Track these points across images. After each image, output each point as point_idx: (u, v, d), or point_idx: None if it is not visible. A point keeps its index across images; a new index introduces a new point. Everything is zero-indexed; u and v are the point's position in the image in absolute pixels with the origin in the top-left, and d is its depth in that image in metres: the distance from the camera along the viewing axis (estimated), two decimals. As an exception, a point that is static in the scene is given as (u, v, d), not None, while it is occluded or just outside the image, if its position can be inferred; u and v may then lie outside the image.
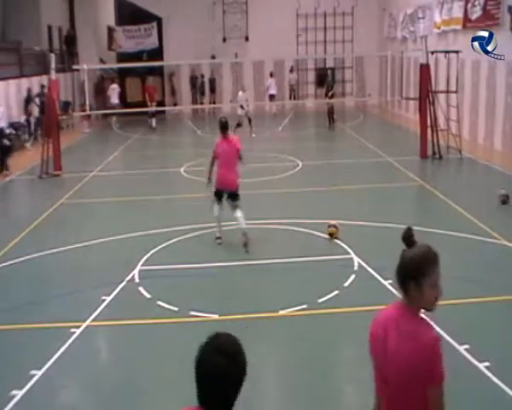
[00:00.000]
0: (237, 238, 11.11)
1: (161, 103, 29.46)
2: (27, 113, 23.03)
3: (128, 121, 28.18)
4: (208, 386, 2.36)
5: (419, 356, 2.99)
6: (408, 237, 3.21)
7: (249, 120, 23.77)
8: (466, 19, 20.09)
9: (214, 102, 31.54)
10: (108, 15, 34.11)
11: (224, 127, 10.49)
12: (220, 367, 2.33)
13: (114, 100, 27.74)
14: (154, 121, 26.07)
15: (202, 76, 31.78)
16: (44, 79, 22.83)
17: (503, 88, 17.87)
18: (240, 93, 24.33)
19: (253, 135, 23.45)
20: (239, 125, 22.83)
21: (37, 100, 23.51)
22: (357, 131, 23.72)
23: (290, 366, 6.85)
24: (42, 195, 15.77)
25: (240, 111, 23.77)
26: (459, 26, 20.64)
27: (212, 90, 32.03)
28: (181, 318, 7.80)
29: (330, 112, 24.36)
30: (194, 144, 23.59)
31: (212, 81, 32.05)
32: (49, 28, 29.32)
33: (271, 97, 29.03)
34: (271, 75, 29.05)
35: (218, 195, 10.49)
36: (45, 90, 22.35)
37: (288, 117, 29.00)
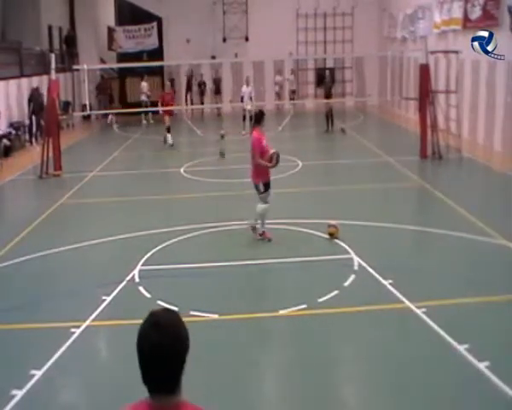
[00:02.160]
0: (237, 238, 11.11)
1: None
2: (30, 112, 23.04)
3: (128, 121, 28.21)
4: (149, 363, 2.33)
5: None
6: None
7: (250, 118, 23.74)
8: (466, 19, 20.09)
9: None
10: (108, 15, 34.11)
11: (254, 119, 11.13)
12: (155, 341, 2.30)
13: (143, 97, 28.09)
14: (170, 137, 21.52)
15: (202, 75, 31.18)
16: (44, 79, 22.84)
17: (502, 88, 17.86)
18: (243, 87, 24.25)
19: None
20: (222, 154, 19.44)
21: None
22: (357, 131, 23.71)
23: (290, 366, 6.85)
24: (42, 195, 15.77)
25: (245, 105, 23.66)
26: (459, 27, 20.65)
27: (217, 91, 31.20)
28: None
29: (329, 114, 24.03)
30: (194, 144, 23.58)
31: (217, 82, 31.35)
32: (50, 28, 29.33)
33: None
34: (280, 74, 29.42)
35: (265, 187, 10.79)
36: (41, 91, 22.42)
37: (288, 117, 29.00)
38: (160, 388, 2.33)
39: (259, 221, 10.79)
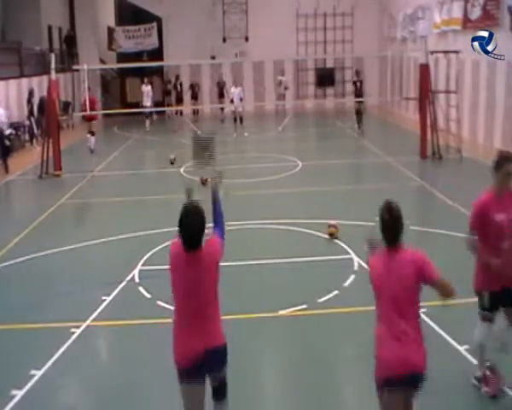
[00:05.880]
0: (237, 238, 11.09)
1: (161, 103, 29.50)
2: (29, 113, 23.05)
3: (128, 121, 28.19)
4: (188, 230, 4.70)
5: None
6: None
7: (240, 120, 23.79)
8: (466, 19, 20.09)
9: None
10: (108, 15, 34.16)
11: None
12: (199, 224, 4.69)
13: (147, 103, 25.82)
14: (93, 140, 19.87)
15: (177, 76, 28.99)
16: (44, 79, 22.85)
17: (502, 88, 17.87)
18: (232, 88, 24.36)
19: (246, 134, 23.55)
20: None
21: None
22: (357, 131, 23.70)
23: (290, 366, 6.85)
24: (42, 195, 15.77)
25: (232, 107, 23.90)
26: (459, 27, 20.65)
27: (221, 95, 28.57)
28: (181, 318, 7.78)
29: (359, 113, 23.13)
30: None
31: (221, 85, 28.94)
32: (49, 28, 29.36)
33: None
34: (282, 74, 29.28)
35: (494, 299, 6.01)
36: (41, 91, 22.42)
37: (287, 117, 28.99)
38: (193, 245, 4.77)
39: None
